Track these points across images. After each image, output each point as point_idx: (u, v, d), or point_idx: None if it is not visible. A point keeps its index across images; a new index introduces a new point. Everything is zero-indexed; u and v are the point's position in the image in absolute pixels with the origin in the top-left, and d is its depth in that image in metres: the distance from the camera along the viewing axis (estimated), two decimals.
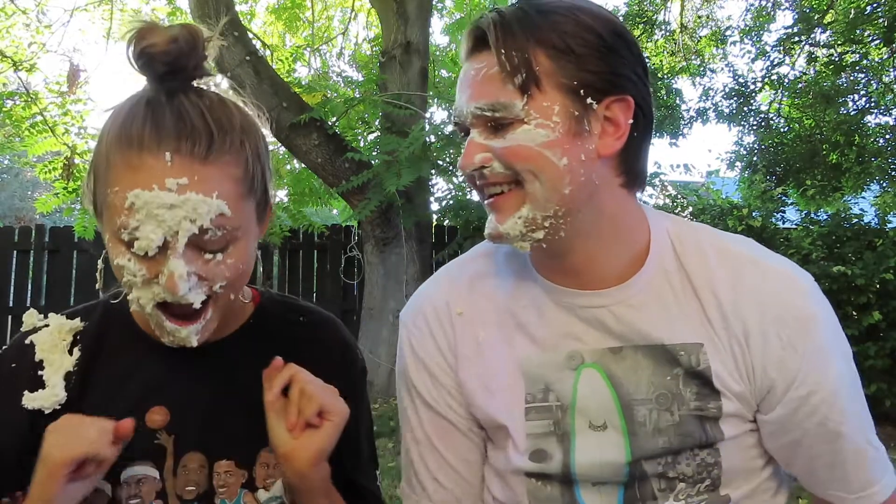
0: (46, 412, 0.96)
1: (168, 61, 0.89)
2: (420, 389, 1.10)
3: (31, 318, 1.05)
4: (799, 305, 0.98)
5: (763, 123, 10.62)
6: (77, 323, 1.04)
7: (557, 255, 1.01)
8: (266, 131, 1.01)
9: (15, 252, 7.26)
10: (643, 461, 0.98)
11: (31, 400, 0.96)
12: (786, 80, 10.19)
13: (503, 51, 0.93)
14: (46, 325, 1.04)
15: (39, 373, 0.99)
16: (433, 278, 1.19)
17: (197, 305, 0.90)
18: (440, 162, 6.48)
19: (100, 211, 0.93)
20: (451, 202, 6.93)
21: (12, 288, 7.20)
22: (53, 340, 1.01)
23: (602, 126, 0.95)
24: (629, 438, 0.98)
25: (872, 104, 9.96)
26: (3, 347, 1.05)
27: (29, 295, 7.30)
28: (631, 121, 0.95)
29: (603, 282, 1.01)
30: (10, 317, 7.12)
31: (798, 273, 1.02)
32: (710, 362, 0.97)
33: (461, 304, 1.10)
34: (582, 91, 0.93)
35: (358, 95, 7.60)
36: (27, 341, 1.02)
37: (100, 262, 1.01)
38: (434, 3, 8.29)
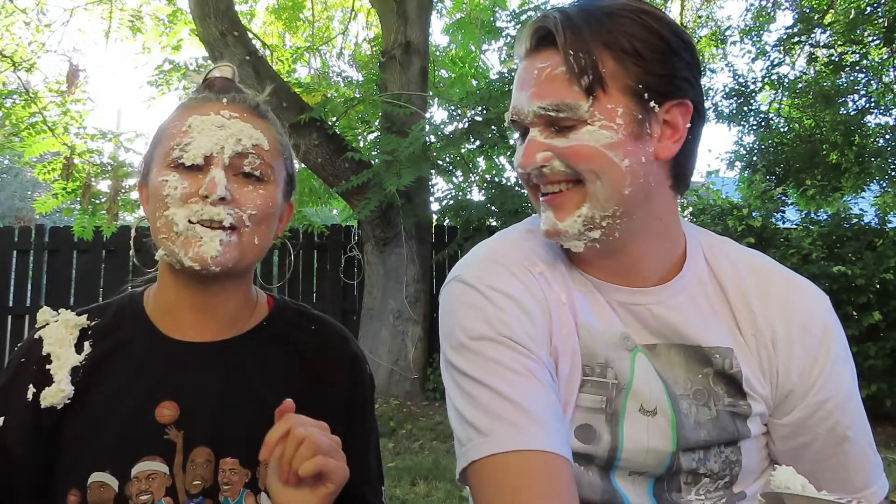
0: (59, 408, 0.98)
1: (225, 85, 1.10)
2: (518, 331, 0.96)
3: (44, 314, 1.07)
4: (822, 317, 1.04)
5: (763, 123, 10.61)
6: (83, 319, 1.05)
7: (607, 255, 1.01)
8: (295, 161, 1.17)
9: (15, 252, 7.26)
10: (681, 453, 1.00)
11: (43, 399, 0.98)
12: (786, 80, 10.19)
13: (571, 52, 0.93)
14: (57, 321, 1.06)
15: (47, 366, 1.00)
16: (491, 244, 1.09)
17: (226, 224, 0.97)
18: (440, 162, 6.48)
19: (147, 169, 1.05)
20: (451, 202, 6.93)
21: (12, 288, 7.21)
22: (60, 335, 1.03)
23: (661, 129, 0.96)
24: (676, 427, 0.99)
25: (872, 104, 9.96)
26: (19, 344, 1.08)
27: (29, 295, 7.31)
28: (689, 125, 0.98)
29: (644, 281, 1.04)
30: (10, 317, 7.13)
31: (818, 289, 1.08)
32: (741, 367, 1.01)
33: (538, 266, 1.05)
34: (646, 94, 0.94)
35: (358, 95, 7.61)
36: (36, 336, 1.04)
37: (133, 230, 1.15)
38: (434, 2, 8.28)
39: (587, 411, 1.00)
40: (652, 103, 0.94)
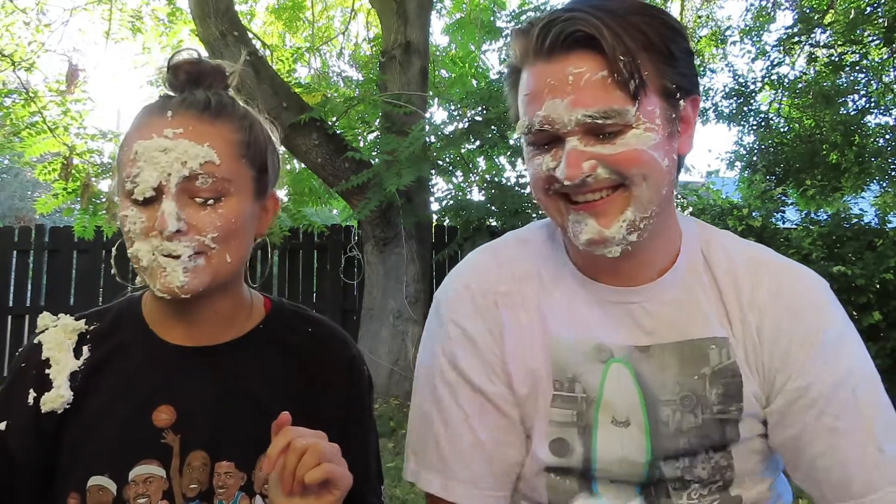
0: (59, 413, 0.98)
1: (190, 70, 1.04)
2: (463, 366, 1.05)
3: (44, 319, 1.07)
4: (814, 301, 1.02)
5: (763, 123, 10.61)
6: (81, 324, 1.06)
7: (626, 257, 0.98)
8: (276, 141, 1.10)
9: (15, 252, 7.26)
10: (661, 462, 0.99)
11: (43, 404, 0.98)
12: (786, 80, 10.18)
13: (622, 58, 0.90)
14: (56, 326, 1.06)
15: (46, 371, 1.01)
16: (470, 261, 1.16)
17: (185, 257, 0.93)
18: (440, 162, 6.48)
19: (118, 189, 1.01)
20: (451, 202, 6.92)
21: (12, 288, 7.20)
22: (59, 339, 1.03)
23: (679, 126, 0.98)
24: (650, 437, 0.99)
25: (872, 104, 9.95)
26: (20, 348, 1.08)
27: (29, 295, 7.31)
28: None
29: (640, 279, 1.03)
30: (10, 317, 7.12)
31: (816, 276, 1.08)
32: (735, 357, 1.00)
33: (504, 285, 1.08)
34: (678, 94, 0.95)
35: (358, 95, 7.60)
36: (36, 341, 1.04)
37: (114, 249, 1.11)
38: (434, 2, 8.28)
39: (559, 426, 1.02)
40: (681, 102, 0.96)
